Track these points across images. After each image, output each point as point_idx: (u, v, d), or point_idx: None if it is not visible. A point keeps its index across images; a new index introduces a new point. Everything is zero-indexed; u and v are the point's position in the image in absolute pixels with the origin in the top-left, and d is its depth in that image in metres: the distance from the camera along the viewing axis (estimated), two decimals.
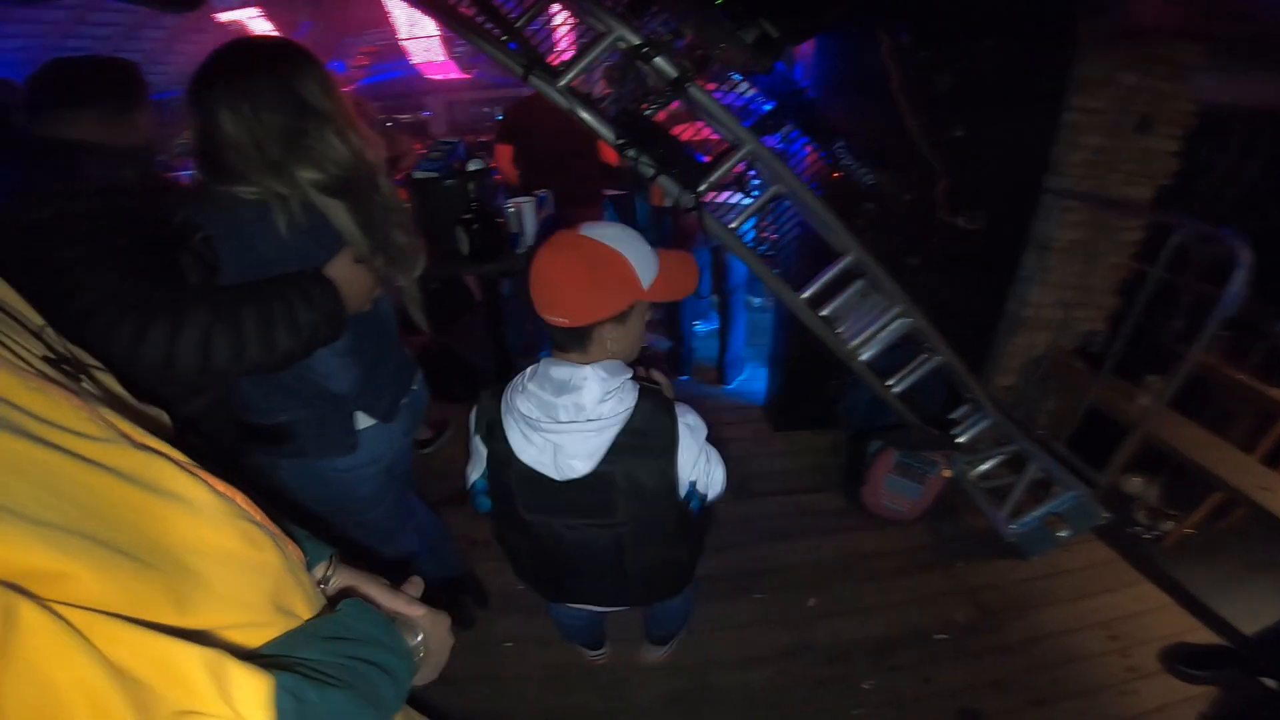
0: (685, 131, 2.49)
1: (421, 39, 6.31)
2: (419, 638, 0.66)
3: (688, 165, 1.77)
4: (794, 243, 2.33)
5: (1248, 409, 2.83)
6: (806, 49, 2.38)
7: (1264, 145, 3.34)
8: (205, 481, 0.45)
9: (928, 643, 2.07)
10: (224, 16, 4.83)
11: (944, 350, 2.30)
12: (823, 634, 2.09)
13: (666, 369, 1.42)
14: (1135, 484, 2.73)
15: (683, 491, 1.19)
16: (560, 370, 1.11)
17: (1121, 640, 2.07)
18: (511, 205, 1.92)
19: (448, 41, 6.23)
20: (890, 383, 2.34)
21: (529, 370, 1.17)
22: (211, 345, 0.96)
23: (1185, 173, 2.76)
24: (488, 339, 2.92)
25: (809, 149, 2.14)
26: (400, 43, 6.26)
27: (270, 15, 4.96)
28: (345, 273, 1.14)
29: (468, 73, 6.51)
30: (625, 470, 1.12)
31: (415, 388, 1.49)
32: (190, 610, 0.39)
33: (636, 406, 1.10)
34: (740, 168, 1.93)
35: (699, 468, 1.18)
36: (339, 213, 1.13)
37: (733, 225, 2.00)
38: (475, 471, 1.28)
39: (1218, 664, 1.93)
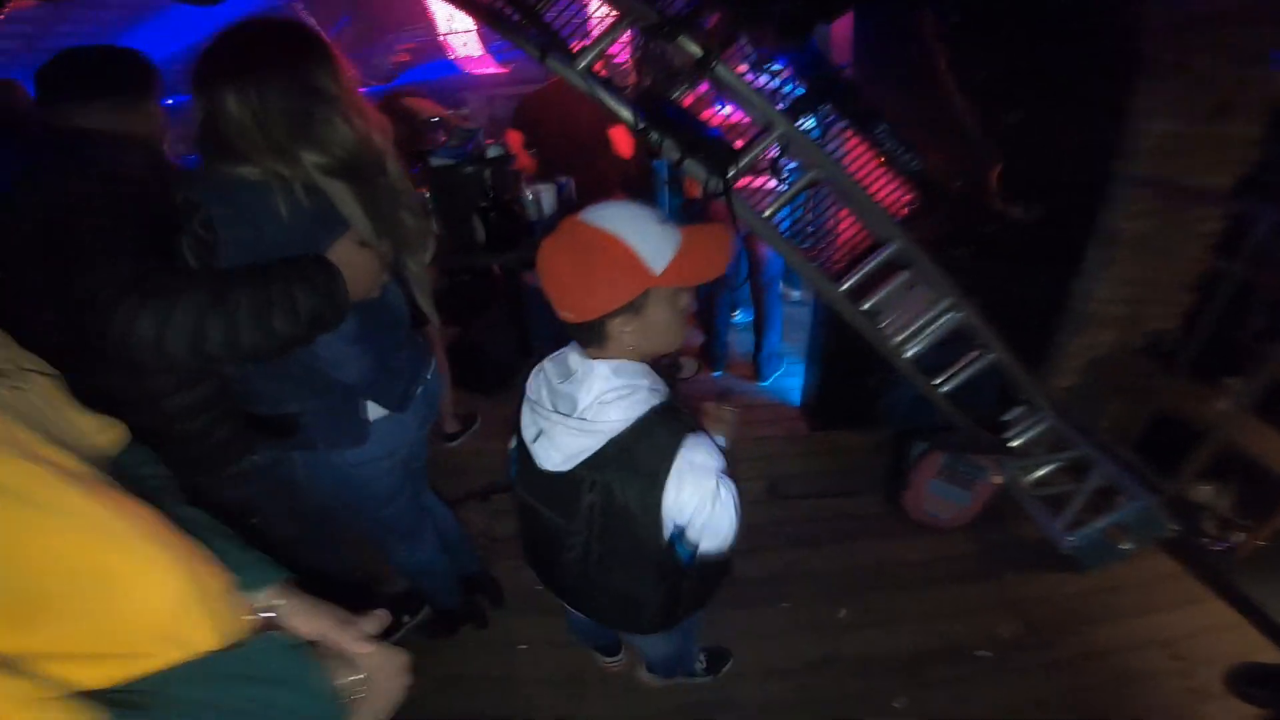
0: (714, 118, 2.39)
1: (460, 34, 6.33)
2: (359, 677, 0.61)
3: (716, 148, 1.68)
4: (832, 232, 2.22)
5: None
6: (844, 28, 2.25)
7: None
8: (101, 498, 0.41)
9: (967, 659, 1.94)
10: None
11: (997, 347, 2.16)
12: (852, 646, 1.98)
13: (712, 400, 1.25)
14: (1205, 492, 2.50)
15: (666, 532, 1.06)
16: (575, 358, 1.06)
17: (1184, 660, 1.91)
18: (530, 192, 1.86)
19: (484, 36, 6.22)
20: (938, 381, 2.21)
21: (561, 350, 1.13)
22: (205, 329, 0.93)
23: (1267, 162, 2.51)
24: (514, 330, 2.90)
25: (849, 134, 2.02)
26: (440, 38, 6.28)
27: (310, 10, 5.04)
28: (349, 256, 1.10)
29: (505, 67, 6.50)
30: (603, 483, 1.02)
31: (430, 377, 1.45)
32: (29, 631, 0.35)
33: (639, 423, 0.99)
34: (773, 152, 1.83)
35: (693, 512, 1.02)
36: (343, 195, 1.10)
37: (766, 213, 1.91)
38: (514, 440, 1.22)
39: None
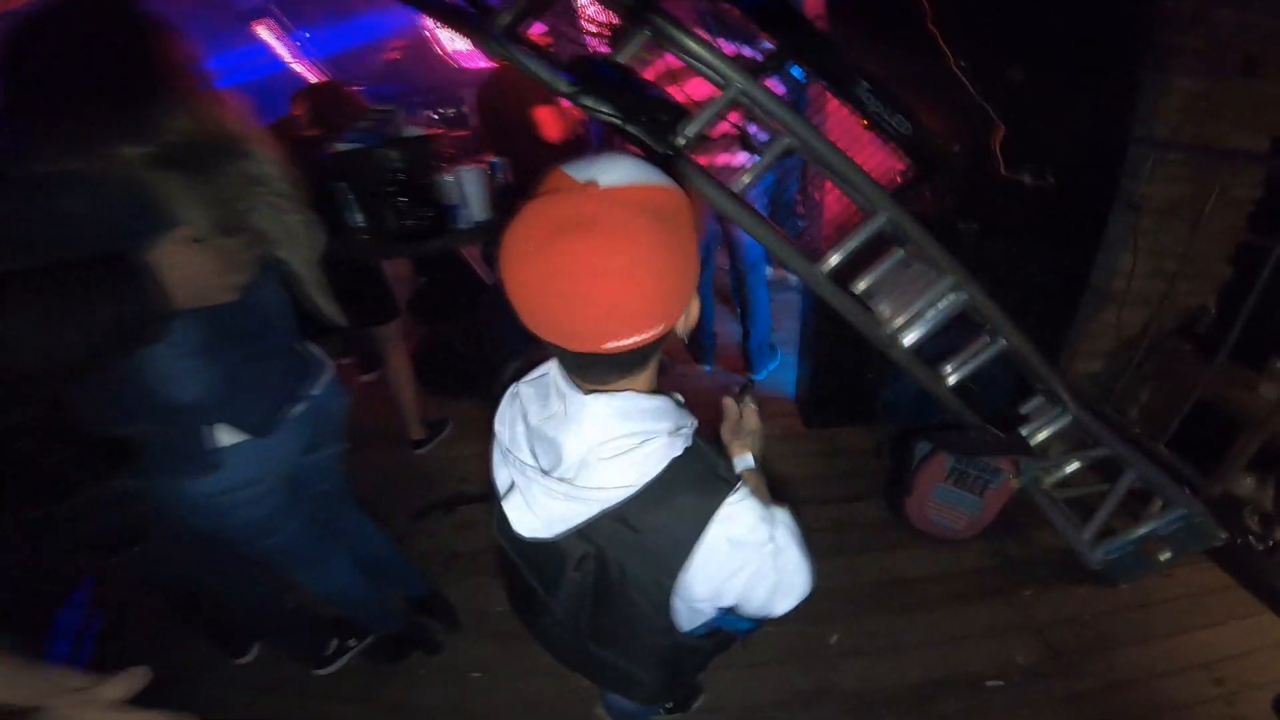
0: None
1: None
2: None
3: (662, 111, 1.46)
4: (816, 207, 1.98)
5: None
6: None
7: None
8: None
9: (979, 690, 1.70)
10: None
11: (1008, 331, 1.90)
12: (848, 677, 1.75)
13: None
14: (1247, 485, 2.22)
15: (694, 618, 0.83)
16: (561, 383, 0.73)
17: (1227, 684, 1.67)
18: (451, 175, 1.63)
19: None
20: (943, 372, 1.95)
21: (546, 364, 0.80)
22: None
23: None
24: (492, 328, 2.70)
25: (826, 96, 1.77)
26: (429, 32, 6.16)
27: None
28: (178, 257, 0.94)
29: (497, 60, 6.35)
30: (596, 557, 0.74)
31: (318, 393, 1.27)
32: None
33: (653, 485, 0.68)
34: (735, 118, 1.60)
35: (745, 590, 0.75)
36: (170, 187, 0.92)
37: (736, 188, 1.67)
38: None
39: None
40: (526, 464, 0.73)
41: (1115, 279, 2.45)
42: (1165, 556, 1.86)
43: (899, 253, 1.86)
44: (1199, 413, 2.22)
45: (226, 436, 1.12)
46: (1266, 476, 2.19)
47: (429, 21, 6.03)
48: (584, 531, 0.71)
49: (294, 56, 5.43)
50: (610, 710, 1.58)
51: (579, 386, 0.71)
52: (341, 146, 1.71)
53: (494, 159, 1.85)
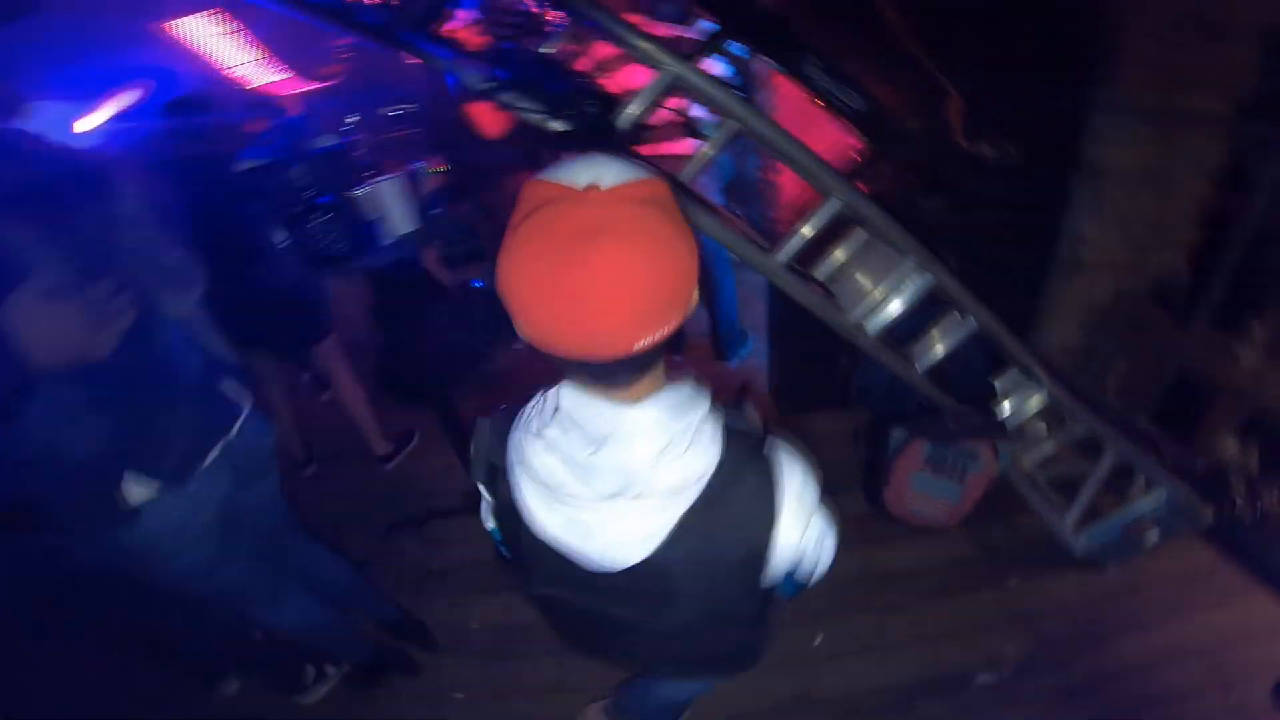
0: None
1: None
2: None
3: (592, 102, 1.36)
4: (772, 192, 1.90)
5: None
6: None
7: None
8: None
9: (967, 688, 1.65)
10: None
11: (977, 309, 1.83)
12: (832, 681, 1.69)
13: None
14: (1231, 451, 2.17)
15: (770, 578, 0.83)
16: (596, 412, 0.70)
17: (1224, 672, 1.63)
18: (364, 187, 1.51)
19: None
20: (914, 355, 1.88)
21: (543, 401, 0.77)
22: None
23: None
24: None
25: (773, 74, 1.69)
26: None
27: None
28: (32, 314, 0.85)
29: None
30: (691, 553, 0.74)
31: (236, 432, 1.20)
32: None
33: (719, 468, 0.71)
34: (675, 104, 1.51)
35: (806, 545, 0.80)
36: (17, 240, 0.85)
37: (685, 177, 1.58)
38: (488, 518, 0.91)
39: None
40: (594, 499, 0.71)
41: (1082, 247, 2.39)
42: (1153, 537, 1.80)
43: (861, 234, 1.78)
44: (1178, 380, 2.17)
45: (139, 489, 1.04)
46: (1250, 441, 2.15)
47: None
48: (675, 535, 0.72)
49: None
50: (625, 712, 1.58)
51: (609, 401, 0.69)
52: (247, 164, 1.59)
53: (418, 163, 1.73)
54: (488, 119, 2.51)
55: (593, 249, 0.55)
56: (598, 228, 0.55)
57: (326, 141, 1.74)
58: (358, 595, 1.76)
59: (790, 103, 1.74)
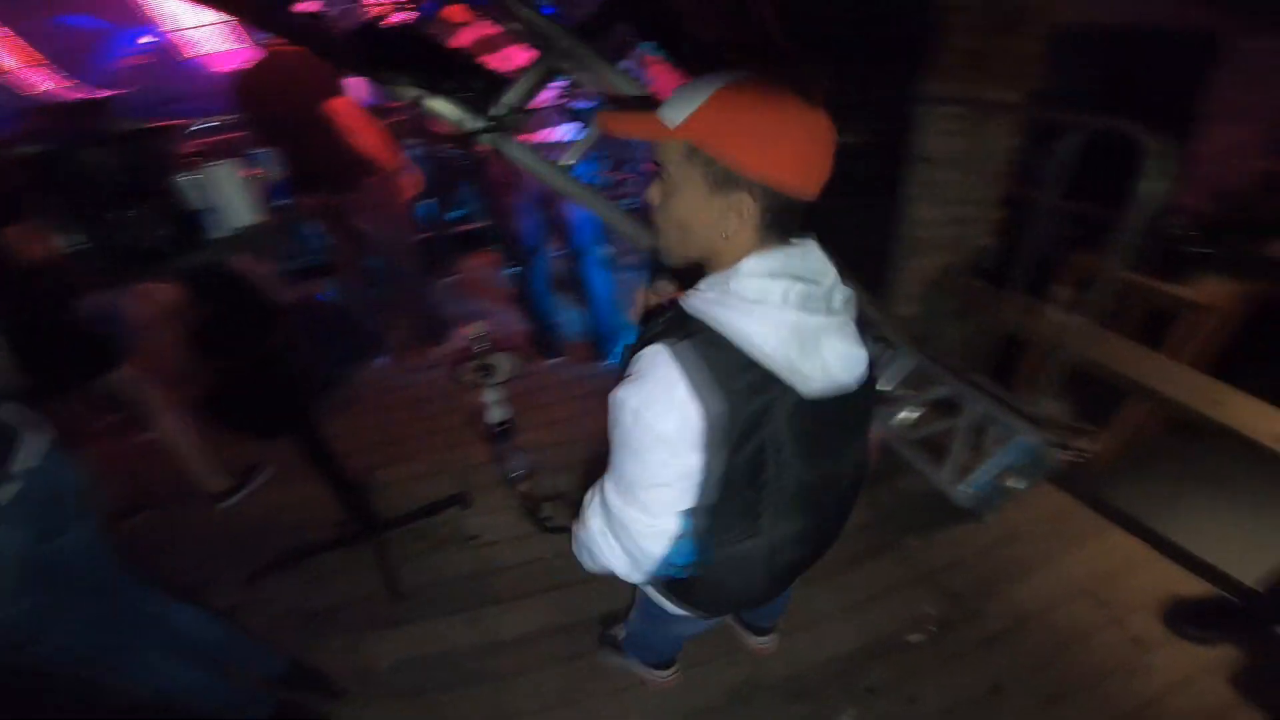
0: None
1: (196, 29, 5.47)
2: None
3: (476, 78, 1.22)
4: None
5: (1136, 309, 2.80)
6: None
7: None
8: None
9: (903, 649, 1.69)
10: None
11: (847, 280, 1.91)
12: (778, 663, 1.67)
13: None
14: (1050, 405, 2.52)
15: None
16: (810, 248, 0.79)
17: (1112, 607, 1.78)
18: (193, 173, 1.21)
19: (236, 29, 5.48)
20: None
21: (744, 277, 0.74)
22: None
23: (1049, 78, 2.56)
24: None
25: (649, 59, 1.64)
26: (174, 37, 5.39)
27: None
28: None
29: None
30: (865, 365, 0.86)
31: (31, 467, 1.04)
32: None
33: None
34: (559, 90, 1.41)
35: None
36: None
37: (563, 162, 1.47)
38: (675, 506, 0.79)
39: (1225, 620, 1.68)
40: (831, 319, 0.77)
41: (917, 227, 2.63)
42: (1018, 485, 1.99)
43: None
44: (1006, 342, 2.45)
45: None
46: (1062, 393, 2.49)
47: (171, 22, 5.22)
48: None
49: None
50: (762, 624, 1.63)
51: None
52: (26, 150, 1.21)
53: (259, 151, 1.44)
54: (347, 113, 2.26)
55: (803, 103, 0.68)
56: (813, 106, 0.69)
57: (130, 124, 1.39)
58: (234, 649, 1.54)
59: (666, 90, 1.70)
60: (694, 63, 1.57)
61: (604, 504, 0.82)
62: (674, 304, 0.77)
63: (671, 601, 0.98)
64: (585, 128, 1.50)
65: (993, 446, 1.99)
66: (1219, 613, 1.71)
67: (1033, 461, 1.95)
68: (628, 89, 1.40)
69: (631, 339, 0.81)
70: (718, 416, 0.71)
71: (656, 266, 0.89)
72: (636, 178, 3.22)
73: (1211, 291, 2.73)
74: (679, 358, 0.70)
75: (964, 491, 1.93)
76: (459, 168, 3.63)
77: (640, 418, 0.72)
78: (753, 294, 0.72)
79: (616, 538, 0.82)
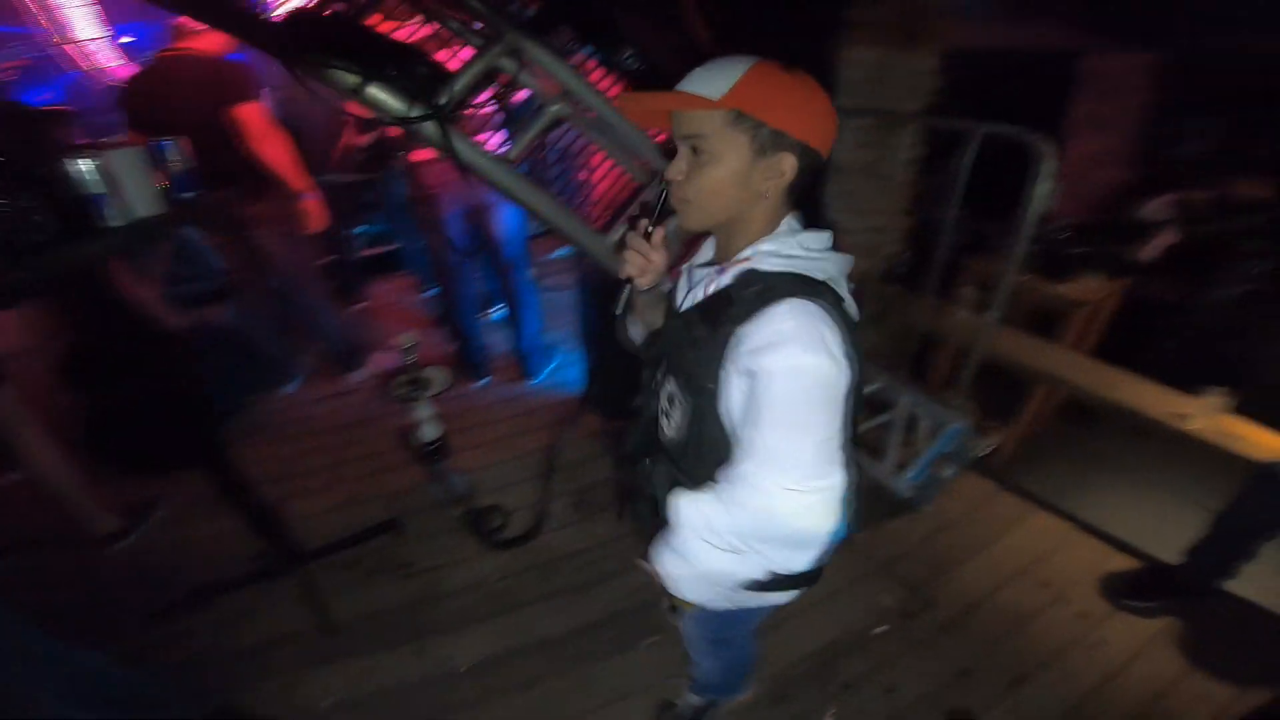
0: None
1: (85, 42, 5.07)
2: None
3: (419, 64, 1.16)
4: (586, 185, 1.85)
5: (1024, 308, 3.05)
6: None
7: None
8: None
9: (871, 641, 1.72)
10: None
11: None
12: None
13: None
14: (959, 397, 2.69)
15: None
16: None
17: (1054, 586, 1.87)
18: (85, 158, 1.06)
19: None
20: None
21: (802, 233, 0.86)
22: None
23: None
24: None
25: (590, 64, 1.63)
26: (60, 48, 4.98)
27: None
28: None
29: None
30: None
31: None
32: None
33: None
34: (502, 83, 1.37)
35: None
36: None
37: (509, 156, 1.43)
38: (840, 461, 0.74)
39: (1161, 590, 1.79)
40: None
41: (842, 237, 2.76)
42: (950, 473, 2.09)
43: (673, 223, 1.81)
44: (923, 342, 2.59)
45: None
46: (969, 387, 2.66)
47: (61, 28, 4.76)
48: None
49: None
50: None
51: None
52: None
53: (164, 140, 1.29)
54: (253, 120, 2.12)
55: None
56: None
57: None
58: (147, 692, 1.40)
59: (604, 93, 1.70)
60: (632, 69, 1.57)
61: (751, 501, 0.73)
62: (732, 273, 0.80)
63: (771, 592, 0.90)
64: (524, 128, 1.46)
65: (925, 438, 2.09)
66: (1154, 582, 1.81)
67: (961, 450, 2.05)
68: (577, 86, 1.38)
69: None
70: (853, 354, 0.75)
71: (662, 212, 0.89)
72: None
73: (1090, 289, 3.04)
74: (821, 307, 0.74)
75: (904, 482, 2.01)
76: (367, 201, 3.53)
77: (818, 375, 0.71)
78: (816, 246, 0.82)
79: (776, 529, 0.74)
